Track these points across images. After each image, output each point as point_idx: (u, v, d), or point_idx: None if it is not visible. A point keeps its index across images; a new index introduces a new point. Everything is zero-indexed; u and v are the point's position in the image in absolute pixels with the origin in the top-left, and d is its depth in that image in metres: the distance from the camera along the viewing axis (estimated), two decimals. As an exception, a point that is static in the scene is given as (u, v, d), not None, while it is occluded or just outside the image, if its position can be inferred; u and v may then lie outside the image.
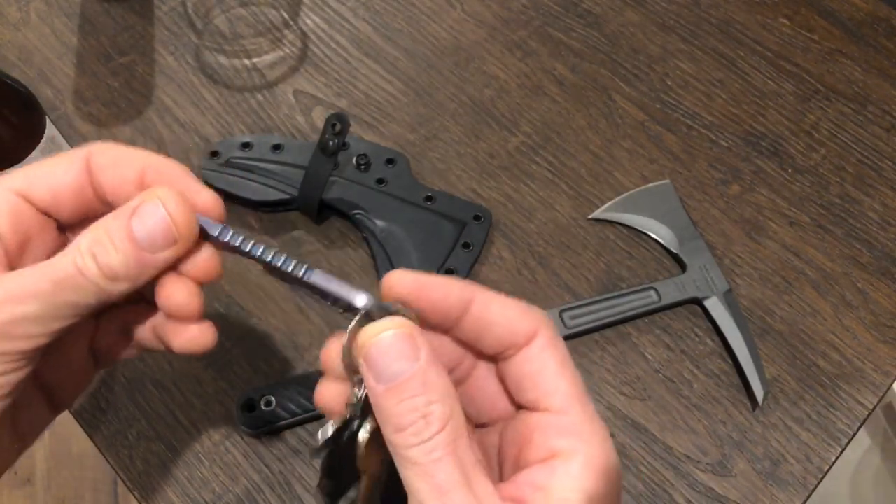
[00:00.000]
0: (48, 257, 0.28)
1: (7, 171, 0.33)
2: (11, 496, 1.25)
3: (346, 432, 0.26)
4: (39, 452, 1.28)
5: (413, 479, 0.24)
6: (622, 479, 0.27)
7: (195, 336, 0.30)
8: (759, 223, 0.59)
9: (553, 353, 0.27)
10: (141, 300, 0.32)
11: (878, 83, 0.66)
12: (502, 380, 0.28)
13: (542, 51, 0.66)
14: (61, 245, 0.30)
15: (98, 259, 0.27)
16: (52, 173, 0.29)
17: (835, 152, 0.62)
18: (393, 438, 0.24)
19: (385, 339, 0.25)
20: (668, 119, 0.63)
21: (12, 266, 0.28)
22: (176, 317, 0.30)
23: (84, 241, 0.27)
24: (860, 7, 0.70)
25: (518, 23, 0.68)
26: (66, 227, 0.31)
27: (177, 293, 0.29)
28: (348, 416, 0.26)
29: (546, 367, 0.27)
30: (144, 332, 0.33)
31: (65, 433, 1.29)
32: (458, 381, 0.30)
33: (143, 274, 0.28)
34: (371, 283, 0.55)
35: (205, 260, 0.29)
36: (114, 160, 0.29)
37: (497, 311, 0.27)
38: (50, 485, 1.26)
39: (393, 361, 0.25)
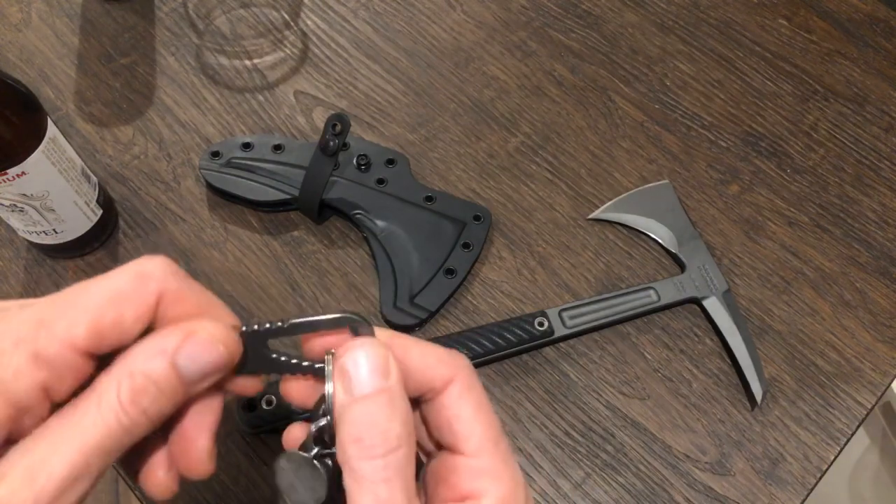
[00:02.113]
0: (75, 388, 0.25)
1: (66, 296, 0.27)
2: (12, 496, 1.25)
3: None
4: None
5: (357, 492, 0.25)
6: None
7: (162, 482, 0.28)
8: (757, 223, 0.59)
9: (468, 399, 0.28)
10: None
11: (877, 84, 0.66)
12: (424, 421, 0.29)
13: (541, 51, 0.67)
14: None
15: (143, 406, 0.24)
16: (121, 325, 0.25)
17: (833, 153, 0.63)
18: (348, 448, 0.25)
19: (363, 351, 0.26)
20: (667, 119, 0.63)
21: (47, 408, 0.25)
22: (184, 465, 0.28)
23: (122, 392, 0.24)
24: (859, 8, 0.70)
25: (518, 24, 0.68)
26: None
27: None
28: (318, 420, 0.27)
29: (461, 412, 0.28)
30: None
31: (65, 433, 1.29)
32: None
33: (179, 401, 0.26)
34: (371, 282, 0.55)
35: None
36: (184, 306, 0.27)
37: (415, 358, 0.28)
38: (50, 484, 1.26)
39: (368, 374, 0.26)
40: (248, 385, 0.29)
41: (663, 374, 0.53)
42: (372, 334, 0.28)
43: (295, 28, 0.67)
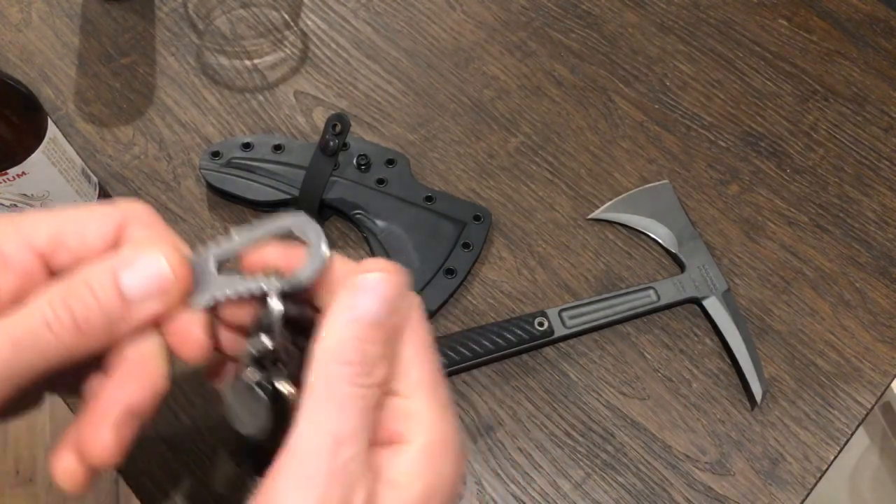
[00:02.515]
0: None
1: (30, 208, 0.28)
2: (13, 495, 1.25)
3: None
4: (41, 452, 1.28)
5: (324, 411, 0.24)
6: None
7: (66, 471, 0.25)
8: (757, 223, 0.59)
9: (411, 339, 0.26)
10: None
11: (877, 84, 0.66)
12: None
13: (541, 52, 0.67)
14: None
15: (74, 311, 0.24)
16: (82, 236, 0.26)
17: (833, 153, 0.63)
18: (332, 368, 0.24)
19: (382, 278, 0.25)
20: (666, 119, 0.64)
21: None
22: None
23: (56, 292, 0.24)
24: (859, 8, 0.70)
25: (518, 24, 0.68)
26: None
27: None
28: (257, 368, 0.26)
29: (402, 351, 0.26)
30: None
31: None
32: None
33: (119, 331, 0.25)
34: (371, 282, 0.55)
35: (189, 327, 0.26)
36: (151, 241, 0.26)
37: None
38: (51, 484, 1.26)
39: (377, 302, 0.25)
40: (191, 335, 0.26)
41: (663, 374, 0.53)
42: (320, 240, 0.26)
43: (295, 28, 0.67)
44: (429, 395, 0.26)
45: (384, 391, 0.26)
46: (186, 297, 0.26)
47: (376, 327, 0.25)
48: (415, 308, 0.27)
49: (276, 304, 0.26)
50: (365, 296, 0.25)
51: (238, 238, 0.27)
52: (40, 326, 0.23)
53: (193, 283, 0.26)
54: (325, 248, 0.26)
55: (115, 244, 0.26)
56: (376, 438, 0.25)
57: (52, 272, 0.26)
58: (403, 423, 0.25)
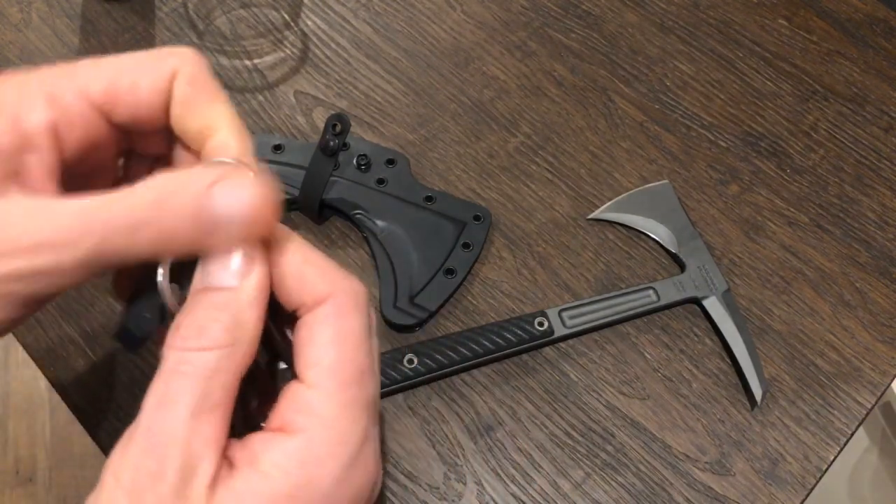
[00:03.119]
0: (105, 168, 0.25)
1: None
2: (13, 495, 1.25)
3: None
4: (41, 452, 1.28)
5: (153, 380, 0.23)
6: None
7: None
8: (757, 223, 0.59)
9: (333, 324, 0.24)
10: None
11: (877, 84, 0.66)
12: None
13: (541, 52, 0.67)
14: (120, 152, 0.26)
15: (161, 221, 0.23)
16: (137, 87, 0.25)
17: (833, 153, 0.63)
18: (169, 336, 0.23)
19: (227, 241, 0.24)
20: (666, 119, 0.64)
21: (70, 176, 0.25)
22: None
23: (148, 194, 0.23)
24: (859, 8, 0.70)
25: (517, 24, 0.68)
26: (129, 136, 0.27)
27: None
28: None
29: (318, 336, 0.24)
30: None
31: (66, 433, 1.29)
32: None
33: (197, 249, 0.25)
34: (371, 282, 0.55)
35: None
36: (193, 99, 0.26)
37: (293, 265, 0.25)
38: (51, 484, 1.26)
39: (216, 269, 0.24)
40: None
41: (663, 373, 0.53)
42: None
43: (295, 28, 0.67)
44: (335, 389, 0.24)
45: (296, 375, 0.24)
46: (269, 230, 0.25)
47: (205, 295, 0.23)
48: (345, 292, 0.25)
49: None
50: (202, 266, 0.24)
51: None
52: (124, 225, 0.23)
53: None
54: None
55: (168, 95, 0.26)
56: (270, 425, 0.24)
57: (112, 123, 0.26)
58: (297, 413, 0.24)
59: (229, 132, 0.27)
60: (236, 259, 0.24)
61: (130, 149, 0.29)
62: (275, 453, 0.23)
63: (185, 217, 0.23)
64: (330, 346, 0.24)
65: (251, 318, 0.24)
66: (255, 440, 0.24)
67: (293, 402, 0.24)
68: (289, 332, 0.26)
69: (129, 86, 0.25)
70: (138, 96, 0.26)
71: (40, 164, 0.24)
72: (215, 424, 0.23)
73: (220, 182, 0.24)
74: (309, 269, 0.25)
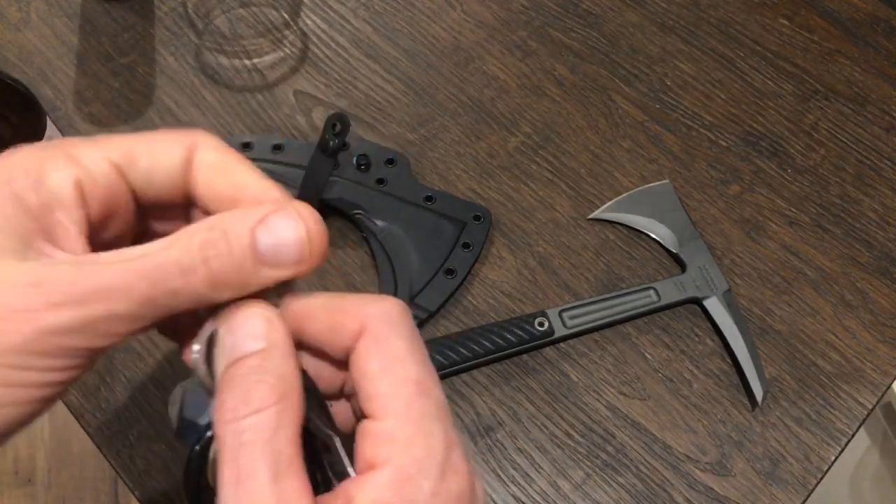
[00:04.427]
0: (120, 238, 0.25)
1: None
2: (12, 496, 1.25)
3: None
4: (40, 452, 1.28)
5: (220, 464, 0.22)
6: (478, 481, 0.25)
7: None
8: (758, 223, 0.59)
9: (377, 352, 0.24)
10: None
11: (878, 83, 0.66)
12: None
13: (541, 51, 0.66)
14: (136, 231, 0.27)
15: (210, 263, 0.23)
16: (154, 154, 0.26)
17: (834, 152, 0.62)
18: (214, 416, 0.23)
19: (238, 316, 0.24)
20: (667, 119, 0.63)
21: (91, 244, 0.25)
22: None
23: (196, 238, 0.24)
24: (859, 7, 0.70)
25: (518, 23, 0.68)
26: (145, 212, 0.28)
27: None
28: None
29: (367, 368, 0.24)
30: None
31: (65, 433, 1.29)
32: (350, 393, 0.28)
33: (249, 288, 0.25)
34: (371, 282, 0.55)
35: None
36: (221, 164, 0.27)
37: (319, 315, 0.25)
38: (50, 484, 1.26)
39: (241, 338, 0.24)
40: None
41: (664, 374, 0.53)
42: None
43: (295, 28, 0.67)
44: (402, 412, 0.24)
45: (364, 415, 0.24)
46: (319, 262, 0.25)
47: (237, 366, 0.23)
48: (375, 317, 0.25)
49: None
50: (220, 351, 0.24)
51: None
52: (176, 271, 0.23)
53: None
54: None
55: (186, 165, 0.26)
56: (357, 468, 0.24)
57: (132, 190, 0.26)
58: (377, 447, 0.23)
59: (264, 185, 0.27)
60: (256, 322, 0.24)
61: (145, 230, 0.29)
62: (369, 490, 0.23)
63: (240, 252, 0.24)
64: (382, 375, 0.24)
65: (291, 369, 0.24)
66: (345, 486, 0.23)
67: (369, 439, 0.24)
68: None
69: (148, 148, 0.26)
70: (156, 158, 0.26)
71: (69, 221, 0.24)
72: (298, 480, 0.22)
73: (273, 214, 0.24)
74: (335, 316, 0.25)
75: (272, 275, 0.24)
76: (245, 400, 0.22)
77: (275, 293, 0.26)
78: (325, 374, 0.27)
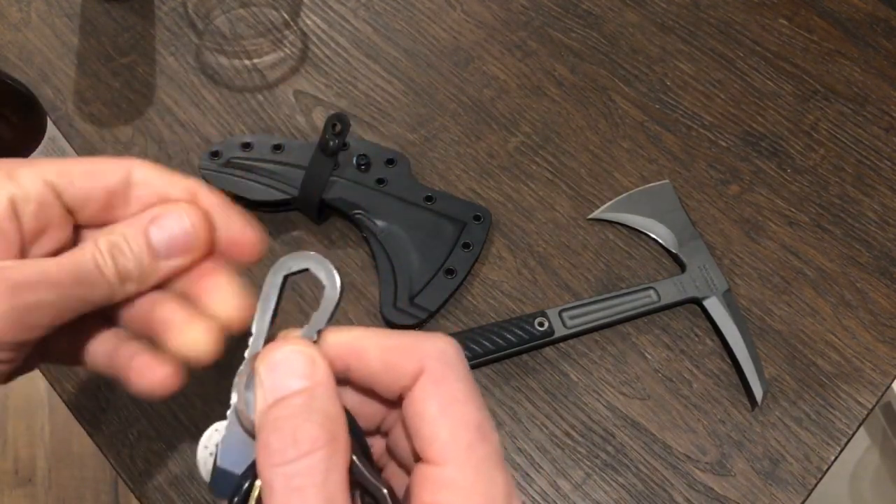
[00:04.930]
0: (56, 251, 0.27)
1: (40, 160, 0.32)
2: (12, 496, 1.25)
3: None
4: (40, 452, 1.28)
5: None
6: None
7: (163, 378, 0.28)
8: (758, 223, 0.59)
9: (435, 394, 0.24)
10: (101, 317, 0.30)
11: (877, 83, 0.66)
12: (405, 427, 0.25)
13: (541, 51, 0.67)
14: (70, 242, 0.29)
15: (117, 261, 0.27)
16: (89, 176, 0.28)
17: (834, 152, 0.62)
18: (258, 459, 0.22)
19: (278, 354, 0.24)
20: (667, 119, 0.63)
21: (23, 254, 0.28)
22: (185, 355, 0.28)
23: (103, 241, 0.27)
24: (859, 8, 0.70)
25: (518, 23, 0.68)
26: (82, 227, 0.30)
27: (194, 332, 0.28)
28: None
29: (426, 410, 0.24)
30: (98, 354, 0.30)
31: (65, 433, 1.29)
32: (389, 429, 0.28)
33: (151, 278, 0.28)
34: (371, 282, 0.55)
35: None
36: (156, 180, 0.29)
37: (374, 355, 0.25)
38: (50, 484, 1.26)
39: (282, 377, 0.23)
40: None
41: (663, 374, 0.53)
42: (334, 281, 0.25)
43: (295, 28, 0.67)
44: (463, 457, 0.23)
45: (421, 458, 0.24)
46: (208, 248, 0.29)
47: (281, 405, 0.23)
48: (433, 357, 0.24)
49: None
50: (261, 389, 0.24)
51: (260, 322, 0.27)
52: (92, 265, 0.27)
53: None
54: (336, 290, 0.26)
55: (123, 184, 0.29)
56: None
57: (67, 207, 0.28)
58: (436, 493, 0.23)
59: (176, 183, 0.30)
60: (299, 359, 0.24)
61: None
62: None
63: (138, 250, 0.28)
64: (441, 418, 0.23)
65: (337, 408, 0.23)
66: None
67: (428, 485, 0.23)
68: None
69: (86, 170, 0.28)
70: (94, 179, 0.28)
71: (1, 231, 0.27)
72: None
73: (163, 214, 0.28)
74: (391, 356, 0.25)
75: (170, 265, 0.28)
76: (293, 441, 0.22)
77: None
78: (365, 412, 0.27)
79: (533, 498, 0.48)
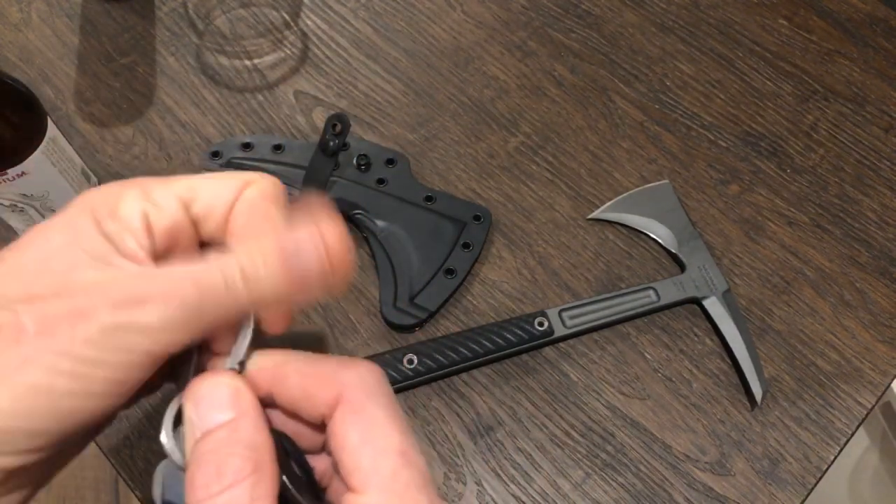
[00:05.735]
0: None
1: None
2: (12, 496, 1.25)
3: None
4: (40, 452, 1.28)
5: None
6: None
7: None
8: (757, 223, 0.59)
9: (354, 422, 0.24)
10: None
11: (877, 83, 0.66)
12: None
13: (541, 51, 0.67)
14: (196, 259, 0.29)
15: (248, 280, 0.25)
16: (213, 190, 0.27)
17: (833, 152, 0.63)
18: (186, 495, 0.22)
19: (203, 388, 0.24)
20: (667, 119, 0.63)
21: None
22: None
23: (237, 257, 0.25)
24: (859, 8, 0.70)
25: (518, 24, 0.68)
26: (203, 245, 0.29)
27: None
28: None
29: (346, 440, 0.24)
30: None
31: (65, 433, 1.29)
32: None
33: (282, 301, 0.26)
34: (371, 282, 0.55)
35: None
36: (254, 201, 0.28)
37: (293, 383, 0.25)
38: (51, 484, 1.26)
39: (207, 411, 0.24)
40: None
41: (663, 374, 0.53)
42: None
43: (295, 28, 0.67)
44: (387, 485, 0.23)
45: (348, 487, 0.24)
46: (341, 278, 0.26)
47: (205, 440, 0.23)
48: (351, 385, 0.24)
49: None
50: (188, 426, 0.24)
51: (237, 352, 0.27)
52: (220, 282, 0.24)
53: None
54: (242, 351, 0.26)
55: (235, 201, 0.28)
56: None
57: (195, 223, 0.27)
58: None
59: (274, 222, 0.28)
60: (222, 391, 0.24)
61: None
62: None
63: (273, 272, 0.25)
64: (362, 447, 0.24)
65: (262, 437, 0.23)
66: None
67: None
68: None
69: (209, 185, 0.27)
70: (216, 193, 0.27)
71: (137, 245, 0.26)
72: None
73: (298, 232, 0.25)
74: (309, 384, 0.25)
75: (304, 293, 0.25)
76: (217, 475, 0.22)
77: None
78: (306, 432, 0.27)
79: (533, 498, 0.49)
